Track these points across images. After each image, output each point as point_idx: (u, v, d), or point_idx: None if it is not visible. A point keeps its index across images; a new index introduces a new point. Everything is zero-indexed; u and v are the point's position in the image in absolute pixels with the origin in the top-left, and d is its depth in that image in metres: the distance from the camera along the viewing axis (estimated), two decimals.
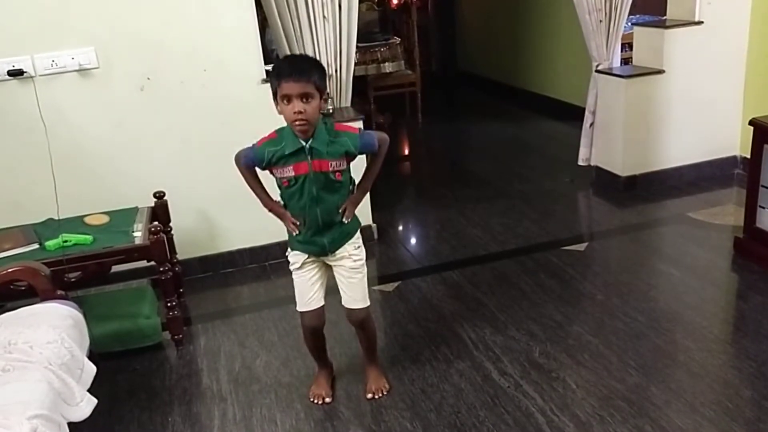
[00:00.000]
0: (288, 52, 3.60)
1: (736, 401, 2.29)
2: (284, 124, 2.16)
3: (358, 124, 2.31)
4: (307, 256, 2.31)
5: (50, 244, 2.71)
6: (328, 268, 2.37)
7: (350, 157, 2.21)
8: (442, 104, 7.52)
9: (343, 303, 2.39)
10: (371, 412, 2.39)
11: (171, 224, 3.20)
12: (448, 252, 3.66)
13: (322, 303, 2.36)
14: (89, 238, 2.76)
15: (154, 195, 3.13)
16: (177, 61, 3.24)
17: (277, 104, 2.11)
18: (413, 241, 4.05)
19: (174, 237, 3.25)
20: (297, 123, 2.06)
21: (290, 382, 2.60)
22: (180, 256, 3.34)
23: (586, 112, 4.41)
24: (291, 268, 2.36)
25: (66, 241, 2.71)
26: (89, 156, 3.24)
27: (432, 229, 4.06)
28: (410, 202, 4.69)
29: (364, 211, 3.73)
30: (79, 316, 2.31)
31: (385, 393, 2.46)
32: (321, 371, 2.53)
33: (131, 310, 2.91)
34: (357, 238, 2.34)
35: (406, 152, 6.03)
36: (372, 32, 6.49)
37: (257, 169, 2.27)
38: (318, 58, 3.56)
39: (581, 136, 4.48)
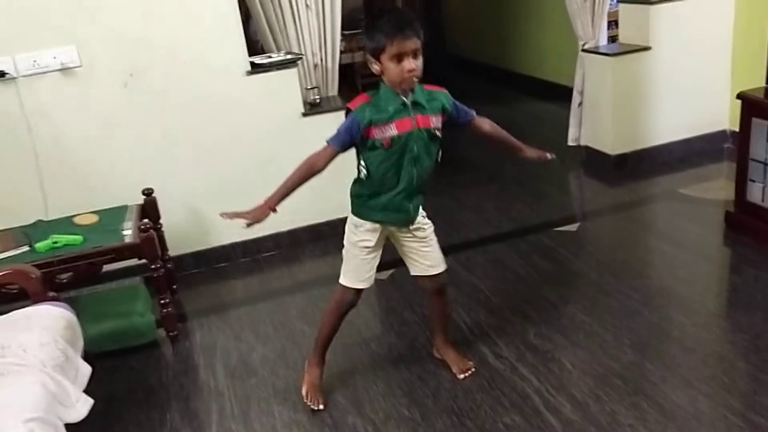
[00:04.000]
0: (272, 43, 3.58)
1: (731, 374, 2.30)
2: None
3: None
4: (380, 230, 2.23)
5: (40, 245, 2.69)
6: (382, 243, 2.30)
7: (445, 115, 2.19)
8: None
9: (420, 273, 2.36)
10: (368, 400, 2.39)
11: (161, 221, 3.19)
12: (442, 237, 3.58)
13: (372, 283, 2.31)
14: (79, 238, 2.74)
15: (143, 192, 3.12)
16: (159, 56, 3.22)
17: (374, 63, 2.06)
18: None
19: (165, 233, 3.24)
20: (409, 80, 2.03)
21: (287, 374, 2.60)
22: (172, 253, 3.33)
23: (574, 92, 4.41)
24: (360, 245, 2.24)
25: (56, 242, 2.70)
26: (76, 155, 3.22)
27: None
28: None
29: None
30: (72, 317, 2.30)
31: (473, 370, 2.44)
32: (316, 370, 2.42)
33: (125, 309, 2.91)
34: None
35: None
36: (357, 19, 6.44)
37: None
38: (302, 47, 3.55)
39: (570, 116, 4.47)
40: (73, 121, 3.19)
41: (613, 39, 4.77)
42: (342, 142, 2.10)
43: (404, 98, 2.08)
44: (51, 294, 2.38)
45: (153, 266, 2.76)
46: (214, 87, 3.33)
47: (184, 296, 3.33)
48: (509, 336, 2.65)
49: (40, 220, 2.94)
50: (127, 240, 2.75)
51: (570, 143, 4.51)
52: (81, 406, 1.97)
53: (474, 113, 2.32)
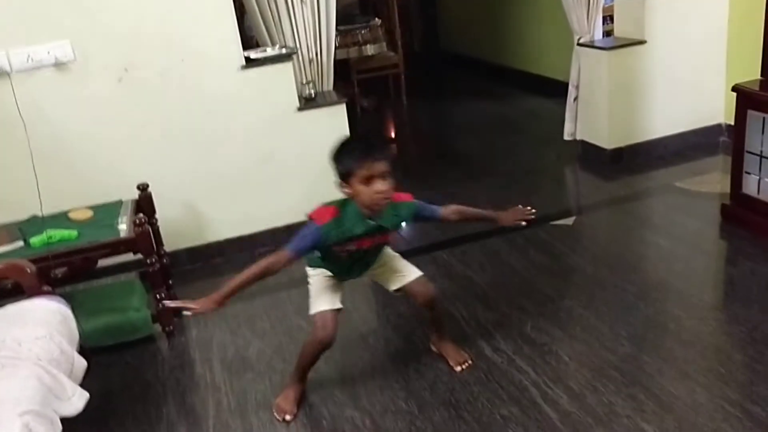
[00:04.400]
0: (266, 37, 3.57)
1: (728, 366, 2.30)
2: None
3: (409, 195, 2.33)
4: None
5: (35, 240, 2.68)
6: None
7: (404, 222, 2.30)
8: (425, 85, 7.48)
9: (399, 285, 2.36)
10: (366, 393, 2.39)
11: (156, 216, 3.17)
12: (438, 232, 3.66)
13: (341, 305, 2.31)
14: (74, 233, 2.73)
15: (138, 187, 3.10)
16: (154, 51, 3.20)
17: (345, 186, 2.08)
18: (402, 222, 4.03)
19: (160, 229, 3.23)
20: (380, 203, 2.07)
21: (284, 369, 2.59)
22: (168, 248, 3.31)
23: (570, 87, 4.40)
24: (316, 277, 2.32)
25: (51, 237, 2.68)
26: (70, 151, 3.21)
27: None
28: (398, 184, 4.67)
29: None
30: (68, 311, 2.29)
31: (468, 363, 2.45)
32: (295, 385, 2.39)
33: (120, 304, 2.90)
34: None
35: (392, 134, 6.01)
36: (352, 14, 6.45)
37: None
38: (297, 41, 3.54)
39: (566, 110, 4.47)
40: (67, 116, 3.17)
41: (608, 33, 4.77)
42: (301, 252, 2.14)
43: (371, 221, 2.13)
44: (46, 288, 2.37)
45: (148, 261, 2.75)
46: (208, 81, 3.32)
47: (180, 291, 3.31)
48: (506, 329, 2.65)
49: (34, 216, 2.93)
50: (123, 235, 2.73)
51: (566, 138, 4.51)
52: (77, 400, 1.96)
53: (440, 212, 2.36)
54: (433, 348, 2.56)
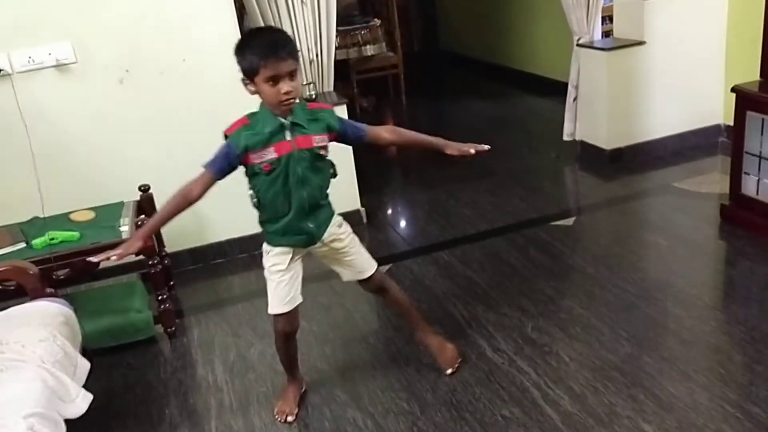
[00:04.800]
0: None
1: (728, 366, 2.31)
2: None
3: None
4: (291, 252, 2.16)
5: (37, 242, 2.68)
6: (307, 259, 2.25)
7: (332, 134, 2.10)
8: (425, 85, 7.49)
9: (351, 279, 2.32)
10: (368, 393, 2.40)
11: None
12: (438, 232, 3.67)
13: (300, 300, 2.23)
14: (76, 234, 2.74)
15: (139, 188, 3.11)
16: (155, 52, 3.21)
17: (249, 84, 1.98)
18: (402, 223, 4.06)
19: (161, 230, 3.23)
20: (286, 103, 1.94)
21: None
22: (169, 249, 3.32)
23: (569, 87, 4.41)
24: (272, 269, 2.18)
25: (53, 239, 2.69)
26: (72, 152, 3.21)
27: (421, 211, 4.07)
28: (398, 184, 4.69)
29: (351, 195, 3.75)
30: (70, 313, 2.30)
31: (459, 360, 2.44)
32: (290, 385, 2.39)
33: (122, 305, 2.90)
34: (336, 217, 2.23)
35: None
36: (352, 15, 6.45)
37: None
38: (297, 43, 3.54)
39: (565, 111, 4.48)
40: (68, 118, 3.18)
41: (607, 34, 4.77)
42: (219, 168, 2.03)
43: (282, 119, 2.00)
44: (49, 290, 2.38)
45: (150, 262, 2.76)
46: (209, 83, 3.32)
47: (182, 292, 3.33)
48: (507, 329, 2.66)
49: (36, 217, 2.93)
50: (124, 236, 2.74)
51: (565, 138, 4.51)
52: (80, 402, 1.97)
53: (365, 128, 2.20)
54: (421, 347, 2.52)
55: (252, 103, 3.33)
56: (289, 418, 2.32)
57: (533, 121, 5.58)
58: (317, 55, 3.61)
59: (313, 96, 3.57)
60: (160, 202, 3.15)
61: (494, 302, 2.87)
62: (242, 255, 3.61)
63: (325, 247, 2.22)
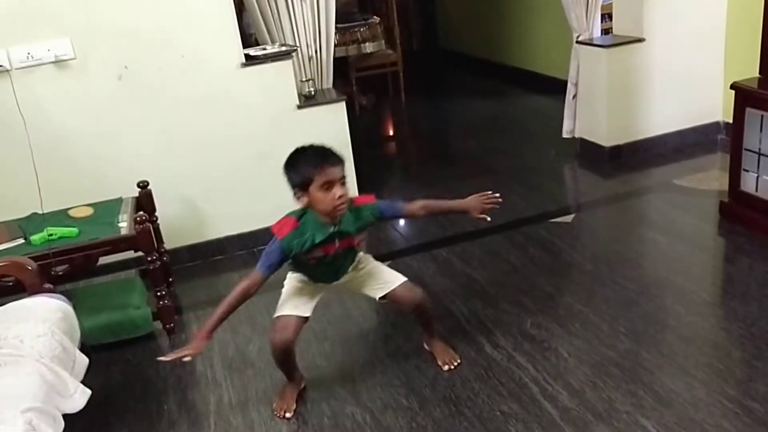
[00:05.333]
0: (266, 35, 3.58)
1: (727, 362, 2.31)
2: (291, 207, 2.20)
3: (371, 197, 2.34)
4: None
5: (35, 238, 2.68)
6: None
7: (370, 225, 2.30)
8: (424, 83, 7.49)
9: (384, 292, 2.34)
10: (366, 389, 2.40)
11: (156, 213, 3.18)
12: (437, 230, 3.66)
13: (308, 314, 2.30)
14: (75, 230, 2.73)
15: (138, 185, 3.11)
16: (154, 48, 3.21)
17: (302, 195, 2.09)
18: (401, 220, 4.05)
19: (160, 226, 3.24)
20: (340, 208, 2.08)
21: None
22: (168, 246, 3.32)
23: (569, 84, 4.41)
24: (293, 277, 2.35)
25: (51, 235, 2.69)
26: (71, 148, 3.21)
27: None
28: (397, 181, 4.69)
29: (351, 193, 3.74)
30: (69, 308, 2.30)
31: (456, 363, 2.45)
32: (289, 384, 2.41)
33: (121, 301, 2.90)
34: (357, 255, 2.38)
35: (391, 132, 6.02)
36: (351, 12, 6.45)
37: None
38: (297, 39, 3.55)
39: (564, 108, 4.48)
40: (67, 114, 3.17)
41: (606, 31, 4.78)
42: (270, 269, 2.17)
43: (331, 229, 2.14)
44: (47, 286, 2.37)
45: (149, 258, 2.76)
46: (208, 79, 3.32)
47: (180, 289, 3.33)
48: (506, 326, 2.66)
49: (34, 213, 2.93)
50: (123, 232, 2.74)
51: (565, 135, 4.51)
52: (79, 397, 1.97)
53: (404, 209, 2.36)
54: (426, 346, 2.57)
55: (249, 97, 3.33)
56: (287, 414, 2.32)
57: (532, 119, 5.58)
58: (316, 52, 3.61)
59: (312, 93, 3.56)
60: (158, 198, 3.19)
61: (493, 299, 2.87)
62: (241, 252, 3.61)
63: (343, 283, 2.38)
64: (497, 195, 2.39)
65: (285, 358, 2.31)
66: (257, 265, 2.17)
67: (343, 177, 2.09)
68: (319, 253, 2.17)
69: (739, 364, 2.31)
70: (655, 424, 2.06)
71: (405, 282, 2.37)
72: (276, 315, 2.30)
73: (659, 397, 2.17)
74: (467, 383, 2.35)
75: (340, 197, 2.06)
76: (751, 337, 2.42)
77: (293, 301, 2.31)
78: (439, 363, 2.46)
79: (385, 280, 2.36)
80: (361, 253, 2.39)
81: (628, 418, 2.10)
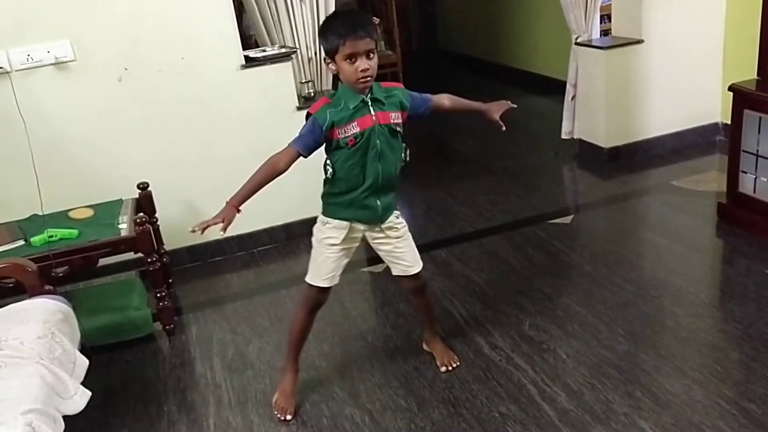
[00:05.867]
0: (266, 37, 3.58)
1: (725, 363, 2.32)
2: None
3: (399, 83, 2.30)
4: (348, 228, 2.21)
5: (36, 239, 2.69)
6: (359, 243, 2.30)
7: (404, 111, 2.20)
8: (424, 83, 7.42)
9: (400, 273, 2.35)
10: (365, 390, 2.41)
11: (156, 215, 3.19)
12: (436, 231, 3.67)
13: (337, 281, 2.29)
14: (75, 232, 2.74)
15: (138, 186, 3.12)
16: (154, 50, 3.21)
17: (331, 63, 2.06)
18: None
19: (160, 227, 3.25)
20: (362, 80, 2.02)
21: (284, 366, 2.60)
22: (167, 247, 3.33)
23: (568, 86, 4.42)
24: (324, 241, 2.23)
25: (51, 236, 2.70)
26: (71, 150, 3.22)
27: (419, 209, 4.07)
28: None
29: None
30: (69, 310, 2.31)
31: (455, 365, 2.45)
32: (288, 376, 2.39)
33: (121, 303, 2.91)
34: (397, 208, 2.32)
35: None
36: None
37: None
38: (296, 41, 3.55)
39: (563, 109, 4.49)
40: (67, 116, 3.18)
41: (605, 32, 4.79)
42: (305, 145, 2.09)
43: (363, 96, 2.09)
44: (47, 287, 2.38)
45: (149, 260, 2.77)
46: (208, 81, 3.33)
47: (180, 290, 3.34)
48: (504, 327, 2.67)
49: (35, 214, 2.94)
50: (123, 234, 2.75)
51: (563, 136, 4.52)
52: (79, 399, 1.98)
53: (430, 97, 2.34)
54: (425, 347, 2.58)
55: (249, 99, 3.34)
56: (288, 417, 2.32)
57: (531, 120, 5.57)
58: (316, 54, 3.61)
59: (312, 94, 3.57)
60: (158, 199, 3.19)
61: (492, 300, 2.88)
62: (240, 253, 3.62)
63: (381, 234, 2.28)
64: (511, 104, 2.49)
65: (307, 321, 2.34)
66: (291, 141, 2.10)
67: (371, 50, 2.02)
68: (355, 129, 2.07)
69: (737, 366, 2.32)
70: (653, 425, 2.07)
71: (418, 274, 2.37)
72: (310, 282, 2.27)
73: (657, 398, 2.18)
74: (466, 384, 2.36)
75: (363, 70, 2.00)
76: (748, 338, 2.43)
77: (327, 267, 2.25)
78: (438, 364, 2.47)
79: (410, 262, 2.35)
80: (398, 210, 2.31)
81: (625, 419, 2.11)
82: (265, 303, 3.12)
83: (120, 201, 3.06)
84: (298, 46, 3.55)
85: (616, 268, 3.01)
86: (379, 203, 2.20)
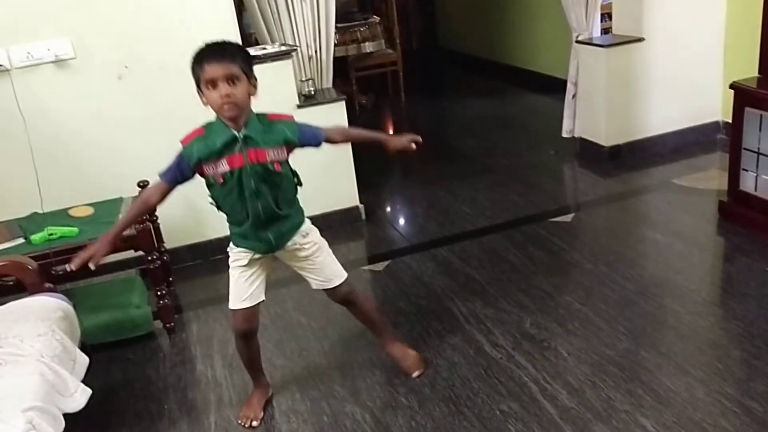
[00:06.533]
0: (266, 35, 3.58)
1: (726, 361, 2.32)
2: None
3: (289, 115, 2.17)
4: (252, 254, 2.17)
5: (36, 237, 2.69)
6: (274, 262, 2.27)
7: (290, 146, 2.08)
8: (424, 82, 7.49)
9: (316, 287, 2.32)
10: (366, 388, 2.41)
11: (156, 213, 3.18)
12: (437, 229, 3.67)
13: (261, 299, 2.23)
14: (75, 230, 2.74)
15: (138, 184, 3.10)
16: (154, 48, 3.21)
17: (201, 95, 2.00)
18: (401, 220, 4.06)
19: (160, 225, 3.24)
20: (225, 107, 1.94)
21: (284, 364, 2.61)
22: (168, 245, 3.33)
23: (568, 84, 4.42)
24: (233, 264, 2.20)
25: (51, 234, 2.70)
26: (71, 148, 3.21)
27: (420, 207, 4.07)
28: (397, 181, 4.69)
29: (350, 192, 3.75)
30: (69, 308, 2.30)
31: (421, 370, 2.42)
32: (256, 390, 2.39)
33: (121, 301, 2.91)
34: (304, 226, 2.22)
35: (390, 132, 6.02)
36: (351, 12, 6.45)
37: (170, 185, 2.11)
38: (296, 39, 3.55)
39: (564, 107, 4.49)
40: (67, 113, 3.18)
41: (606, 30, 4.78)
42: (172, 177, 2.08)
43: (235, 132, 1.99)
44: (47, 285, 2.38)
45: (149, 258, 2.76)
46: None
47: (180, 288, 3.33)
48: (505, 325, 2.67)
49: (35, 213, 2.94)
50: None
51: (564, 135, 4.52)
52: (79, 396, 1.98)
53: (323, 133, 2.18)
54: (384, 355, 2.51)
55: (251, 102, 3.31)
56: (254, 423, 2.30)
57: (532, 118, 5.58)
58: (316, 52, 3.61)
59: (312, 92, 3.57)
60: None
61: (493, 298, 2.88)
62: None
63: (287, 254, 2.23)
64: (419, 138, 2.25)
65: (249, 348, 2.30)
66: (160, 173, 2.09)
67: (232, 75, 1.93)
68: (224, 167, 2.00)
69: (738, 363, 2.32)
70: (654, 423, 2.07)
71: (337, 288, 2.30)
72: (232, 307, 2.22)
73: (658, 396, 2.18)
74: (467, 383, 2.36)
75: (224, 95, 1.92)
76: (749, 336, 2.43)
77: (242, 288, 2.20)
78: (405, 369, 2.42)
79: (325, 277, 2.29)
80: (306, 226, 2.23)
81: (627, 417, 2.11)
82: (265, 301, 3.10)
83: (120, 199, 3.06)
84: (298, 44, 3.55)
85: (616, 266, 3.00)
86: (270, 235, 2.14)
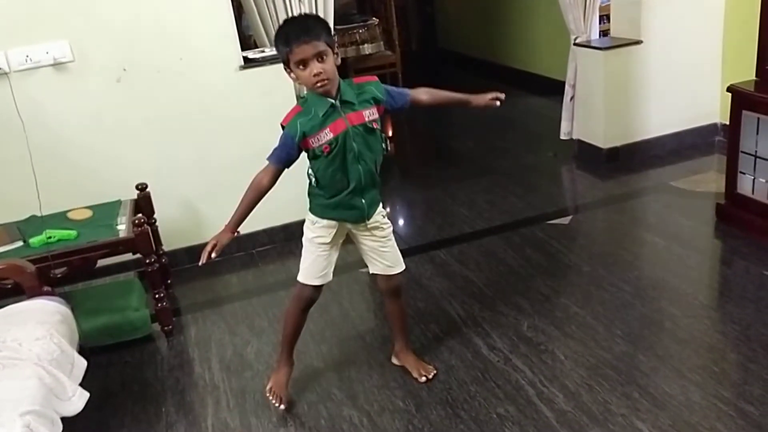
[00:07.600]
0: (265, 37, 3.58)
1: (722, 365, 2.33)
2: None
3: (373, 77, 2.26)
4: (337, 227, 2.23)
5: (34, 240, 2.69)
6: (341, 243, 2.31)
7: (379, 105, 2.16)
8: (423, 84, 7.46)
9: (378, 272, 2.35)
10: (363, 392, 2.41)
11: (155, 216, 3.19)
12: (435, 231, 3.68)
13: (330, 279, 2.31)
14: (73, 233, 2.74)
15: (137, 187, 3.11)
16: (153, 50, 3.21)
17: (290, 72, 2.05)
18: (400, 221, 4.06)
19: (159, 228, 3.25)
20: (318, 84, 2.00)
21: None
22: (166, 247, 3.33)
23: (566, 86, 4.42)
24: (315, 240, 2.24)
25: (50, 237, 2.70)
26: (69, 151, 3.22)
27: (418, 209, 4.07)
28: (395, 183, 4.69)
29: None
30: (67, 311, 2.31)
31: (432, 374, 2.43)
32: (285, 368, 2.42)
33: (119, 304, 2.91)
34: (382, 207, 2.33)
35: (390, 133, 6.02)
36: (349, 14, 6.46)
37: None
38: None
39: (562, 110, 4.49)
40: (66, 116, 3.18)
41: (604, 33, 4.79)
42: (279, 158, 2.12)
43: (332, 99, 2.06)
44: (46, 288, 2.38)
45: (147, 261, 2.77)
46: (207, 82, 3.33)
47: (179, 291, 3.34)
48: (503, 328, 2.67)
49: (33, 216, 2.94)
50: (122, 235, 2.75)
51: (562, 137, 4.52)
52: (77, 400, 1.98)
53: (409, 92, 2.28)
54: (394, 361, 2.53)
55: (247, 100, 3.35)
56: (283, 406, 2.34)
57: (530, 120, 5.58)
58: None
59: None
60: (157, 200, 3.19)
61: (490, 301, 2.88)
62: (239, 254, 3.62)
63: (366, 232, 2.29)
64: (502, 95, 2.41)
65: (301, 318, 2.36)
66: (267, 157, 2.13)
67: (321, 53, 1.98)
68: (329, 135, 2.06)
69: (735, 367, 2.32)
70: (651, 426, 2.07)
71: (399, 275, 2.38)
72: (302, 281, 2.29)
73: (655, 399, 2.18)
74: (464, 386, 2.36)
75: (316, 74, 1.98)
76: (746, 339, 2.43)
77: (318, 265, 2.26)
78: (414, 375, 2.44)
79: (390, 262, 2.35)
80: (385, 219, 2.33)
81: (623, 420, 2.11)
82: (264, 304, 3.12)
83: (119, 202, 3.06)
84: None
85: (614, 269, 3.01)
86: (364, 202, 2.21)
